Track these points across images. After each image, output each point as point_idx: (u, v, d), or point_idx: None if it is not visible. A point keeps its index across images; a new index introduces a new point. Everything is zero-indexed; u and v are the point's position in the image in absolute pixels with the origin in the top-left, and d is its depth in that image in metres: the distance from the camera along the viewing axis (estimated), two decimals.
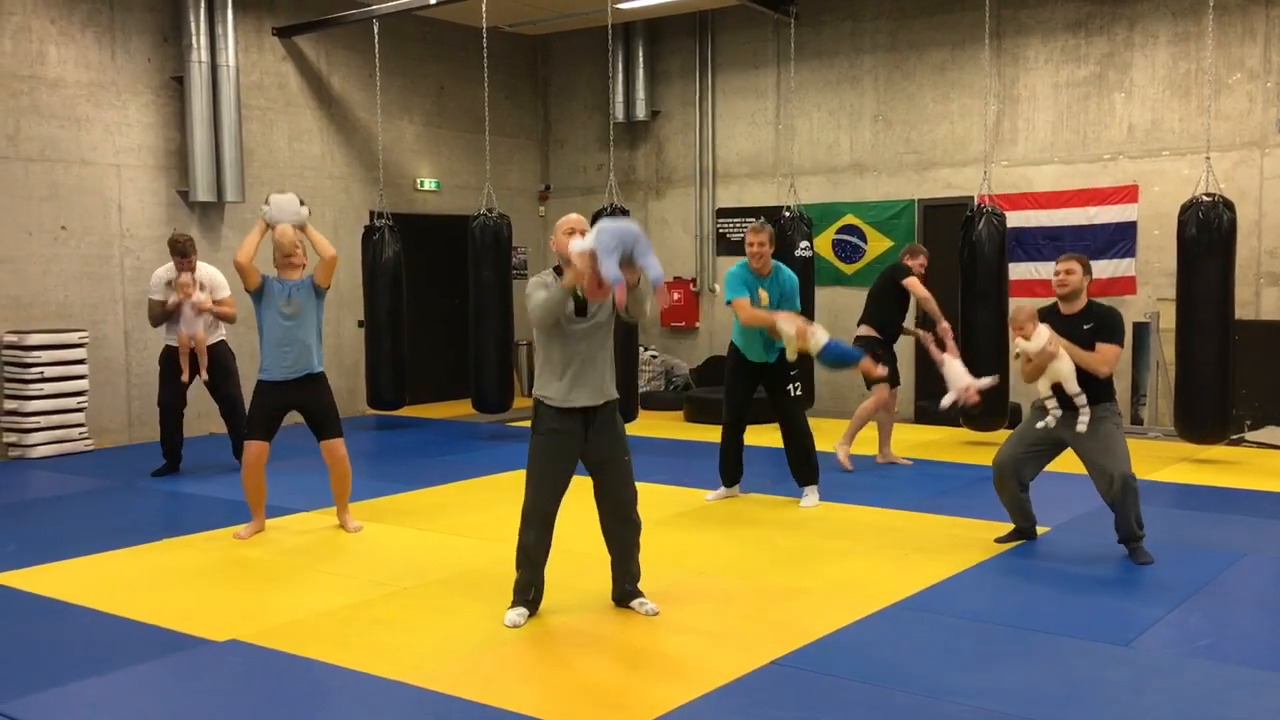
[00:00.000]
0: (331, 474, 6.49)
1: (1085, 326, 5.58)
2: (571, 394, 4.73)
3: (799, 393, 6.86)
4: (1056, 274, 5.67)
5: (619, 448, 4.87)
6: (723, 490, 7.16)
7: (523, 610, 4.81)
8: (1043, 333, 5.52)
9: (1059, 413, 5.58)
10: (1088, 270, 5.67)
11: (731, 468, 7.12)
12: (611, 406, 4.86)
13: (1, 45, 8.98)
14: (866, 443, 8.44)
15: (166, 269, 8.02)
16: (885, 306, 8.19)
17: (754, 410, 7.10)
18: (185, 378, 7.94)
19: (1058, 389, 5.58)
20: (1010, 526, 6.03)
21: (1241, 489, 7.35)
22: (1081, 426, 5.51)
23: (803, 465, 6.93)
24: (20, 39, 9.09)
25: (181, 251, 7.87)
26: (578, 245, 4.56)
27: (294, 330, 6.23)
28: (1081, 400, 5.50)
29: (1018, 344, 5.62)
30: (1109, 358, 5.52)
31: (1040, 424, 5.66)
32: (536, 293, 4.69)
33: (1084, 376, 5.54)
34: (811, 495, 6.95)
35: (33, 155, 9.17)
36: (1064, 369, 5.51)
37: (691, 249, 12.46)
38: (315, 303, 6.32)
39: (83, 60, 9.47)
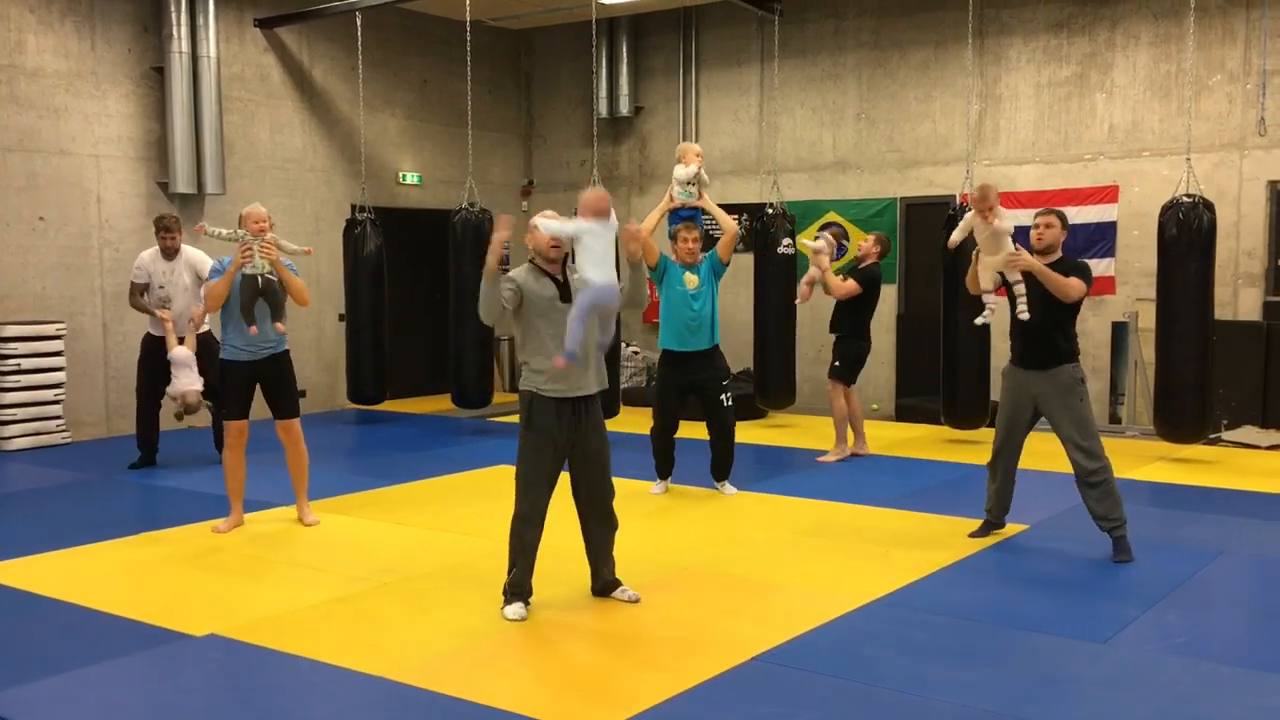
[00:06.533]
0: (288, 455, 6.45)
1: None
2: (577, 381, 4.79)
3: (730, 403, 7.31)
4: (1035, 227, 5.77)
5: (602, 439, 4.92)
6: (664, 484, 7.45)
7: (521, 606, 4.81)
8: (1004, 214, 5.74)
9: (994, 308, 5.88)
10: (1065, 225, 5.81)
11: (664, 464, 7.48)
12: (597, 399, 4.91)
13: None
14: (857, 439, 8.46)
15: (150, 253, 8.07)
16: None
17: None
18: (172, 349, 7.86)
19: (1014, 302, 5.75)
20: (978, 522, 6.08)
21: (1218, 488, 7.40)
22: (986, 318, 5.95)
23: (725, 464, 7.42)
24: None
25: (165, 227, 8.02)
26: (555, 226, 5.00)
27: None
28: (1021, 290, 5.67)
29: (983, 223, 5.71)
30: (1075, 287, 5.64)
31: (980, 319, 5.96)
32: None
33: (1048, 339, 5.68)
34: (729, 487, 7.40)
35: (10, 145, 9.09)
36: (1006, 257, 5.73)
37: None
38: (281, 287, 6.30)
39: (62, 50, 9.39)
